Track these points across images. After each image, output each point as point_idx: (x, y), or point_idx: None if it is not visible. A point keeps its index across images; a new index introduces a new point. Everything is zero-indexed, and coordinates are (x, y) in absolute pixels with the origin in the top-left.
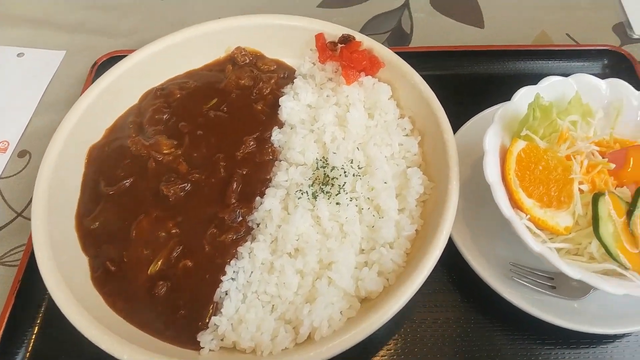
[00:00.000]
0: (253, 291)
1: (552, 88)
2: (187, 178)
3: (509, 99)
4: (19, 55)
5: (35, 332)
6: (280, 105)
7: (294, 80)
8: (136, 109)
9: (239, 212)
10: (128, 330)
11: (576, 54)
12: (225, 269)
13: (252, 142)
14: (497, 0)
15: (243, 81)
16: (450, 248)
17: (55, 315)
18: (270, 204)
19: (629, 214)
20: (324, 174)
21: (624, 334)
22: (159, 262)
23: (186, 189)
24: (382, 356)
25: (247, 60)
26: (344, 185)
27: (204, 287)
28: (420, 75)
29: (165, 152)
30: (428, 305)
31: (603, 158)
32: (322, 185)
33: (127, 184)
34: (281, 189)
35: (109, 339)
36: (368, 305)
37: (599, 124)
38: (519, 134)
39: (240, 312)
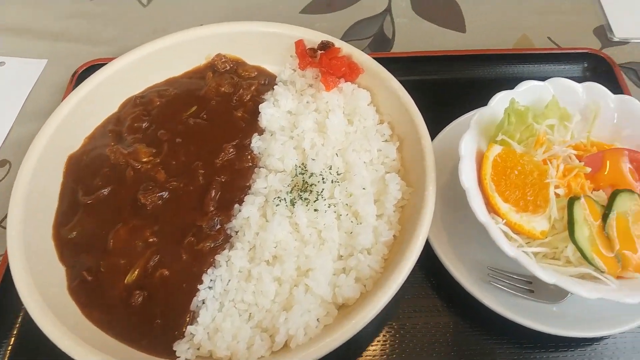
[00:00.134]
0: (230, 299)
1: (529, 92)
2: (165, 186)
3: None
4: None
5: (11, 343)
6: (260, 112)
7: (275, 87)
8: (115, 118)
9: (217, 220)
10: (104, 341)
11: (557, 58)
12: (202, 278)
13: (231, 149)
14: (479, 5)
15: (223, 88)
16: (429, 253)
17: (32, 326)
18: (248, 211)
19: (605, 217)
20: (303, 180)
21: (602, 336)
22: (136, 272)
23: (164, 197)
24: None
25: (228, 67)
26: (322, 191)
27: (180, 296)
28: (402, 80)
29: (143, 160)
30: (407, 310)
31: (580, 161)
32: (301, 192)
33: (105, 192)
34: (260, 196)
35: (82, 350)
36: (346, 311)
37: (576, 128)
38: (495, 138)
39: (217, 321)
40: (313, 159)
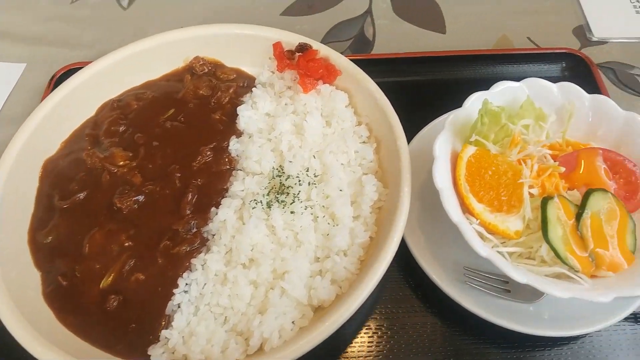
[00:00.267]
0: (206, 303)
1: (504, 93)
2: (141, 190)
3: None
4: None
5: None
6: (238, 115)
7: (253, 89)
8: (92, 121)
9: (193, 224)
10: (78, 346)
11: (536, 58)
12: (178, 282)
13: (209, 152)
14: (459, 6)
15: (201, 91)
16: (407, 254)
17: (4, 332)
18: (224, 214)
19: (578, 216)
20: (280, 182)
21: (579, 335)
22: (111, 276)
23: (140, 201)
24: None
25: (206, 70)
26: (298, 193)
27: (156, 301)
28: (382, 81)
29: (120, 164)
30: (385, 311)
31: (555, 161)
32: (278, 194)
33: (81, 197)
34: (237, 199)
35: (55, 356)
36: (322, 313)
37: (551, 128)
38: (469, 139)
39: (192, 325)
40: (290, 161)
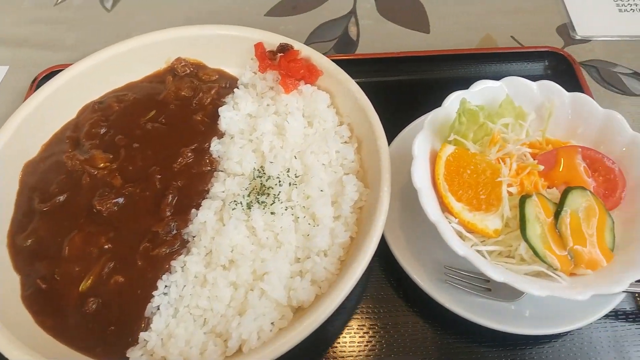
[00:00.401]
0: (185, 305)
1: (483, 92)
2: (121, 192)
3: None
4: None
5: None
6: (219, 116)
7: (235, 90)
8: (74, 124)
9: (173, 225)
10: (57, 349)
11: (519, 56)
12: (157, 284)
13: (189, 154)
14: (443, 6)
15: (183, 92)
16: (390, 254)
17: None
18: (204, 216)
19: (557, 215)
20: (261, 183)
21: (560, 333)
22: (90, 279)
23: (120, 203)
24: None
25: (188, 71)
26: (279, 194)
27: (135, 303)
28: (366, 82)
29: (100, 166)
30: (367, 311)
31: (534, 160)
32: (258, 195)
33: (61, 199)
34: (217, 200)
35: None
36: (302, 314)
37: (532, 126)
38: (447, 138)
39: (170, 327)
40: (271, 162)
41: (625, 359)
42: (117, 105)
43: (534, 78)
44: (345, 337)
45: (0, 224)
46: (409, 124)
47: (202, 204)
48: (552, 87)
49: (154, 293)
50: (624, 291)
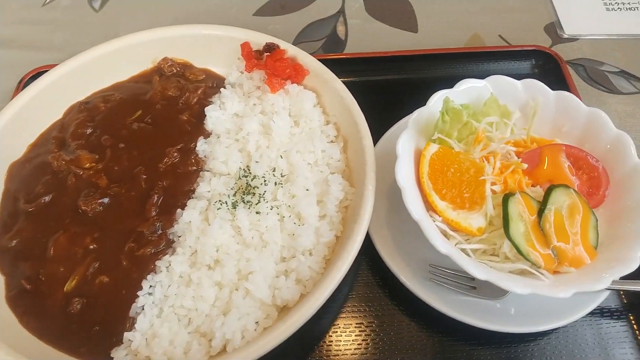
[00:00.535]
0: (170, 305)
1: (468, 91)
2: (106, 192)
3: None
4: None
5: None
6: (206, 115)
7: (221, 90)
8: (60, 124)
9: (158, 225)
10: (41, 350)
11: (506, 55)
12: (142, 284)
13: (175, 154)
14: (432, 5)
15: (169, 92)
16: (375, 252)
17: None
18: (189, 215)
19: (540, 213)
20: (247, 183)
21: (545, 331)
22: (75, 279)
23: (105, 203)
24: None
25: (175, 71)
26: (264, 194)
27: (119, 303)
28: (354, 81)
29: (85, 166)
30: (353, 310)
31: (519, 158)
32: (244, 194)
33: (46, 200)
34: (202, 200)
35: None
36: (286, 313)
37: (516, 124)
38: (432, 137)
39: (155, 327)
40: (257, 162)
41: (610, 355)
42: (104, 106)
43: (521, 77)
44: (331, 336)
45: None
46: (395, 123)
47: (187, 204)
48: (536, 86)
49: (139, 293)
50: (607, 289)
